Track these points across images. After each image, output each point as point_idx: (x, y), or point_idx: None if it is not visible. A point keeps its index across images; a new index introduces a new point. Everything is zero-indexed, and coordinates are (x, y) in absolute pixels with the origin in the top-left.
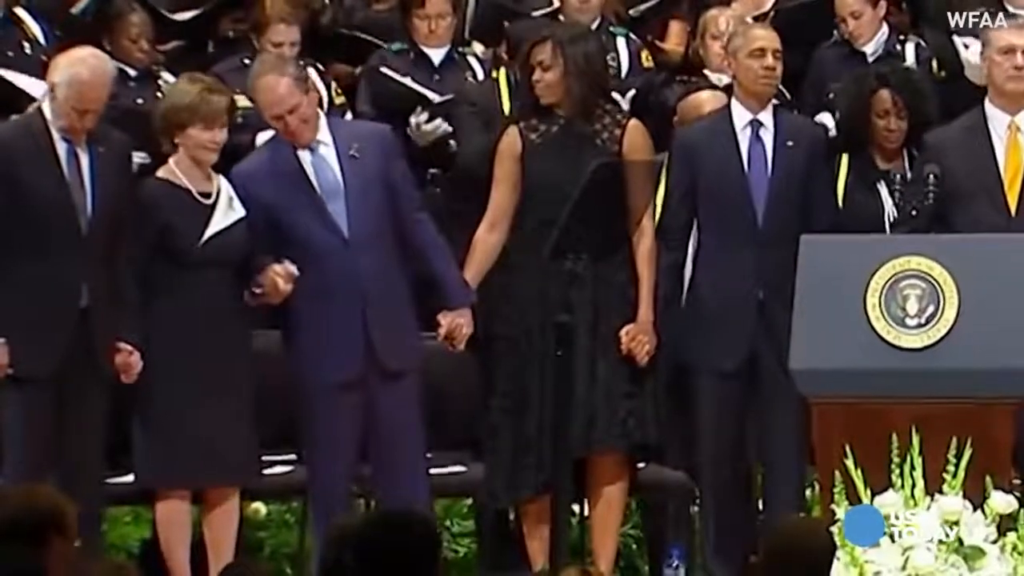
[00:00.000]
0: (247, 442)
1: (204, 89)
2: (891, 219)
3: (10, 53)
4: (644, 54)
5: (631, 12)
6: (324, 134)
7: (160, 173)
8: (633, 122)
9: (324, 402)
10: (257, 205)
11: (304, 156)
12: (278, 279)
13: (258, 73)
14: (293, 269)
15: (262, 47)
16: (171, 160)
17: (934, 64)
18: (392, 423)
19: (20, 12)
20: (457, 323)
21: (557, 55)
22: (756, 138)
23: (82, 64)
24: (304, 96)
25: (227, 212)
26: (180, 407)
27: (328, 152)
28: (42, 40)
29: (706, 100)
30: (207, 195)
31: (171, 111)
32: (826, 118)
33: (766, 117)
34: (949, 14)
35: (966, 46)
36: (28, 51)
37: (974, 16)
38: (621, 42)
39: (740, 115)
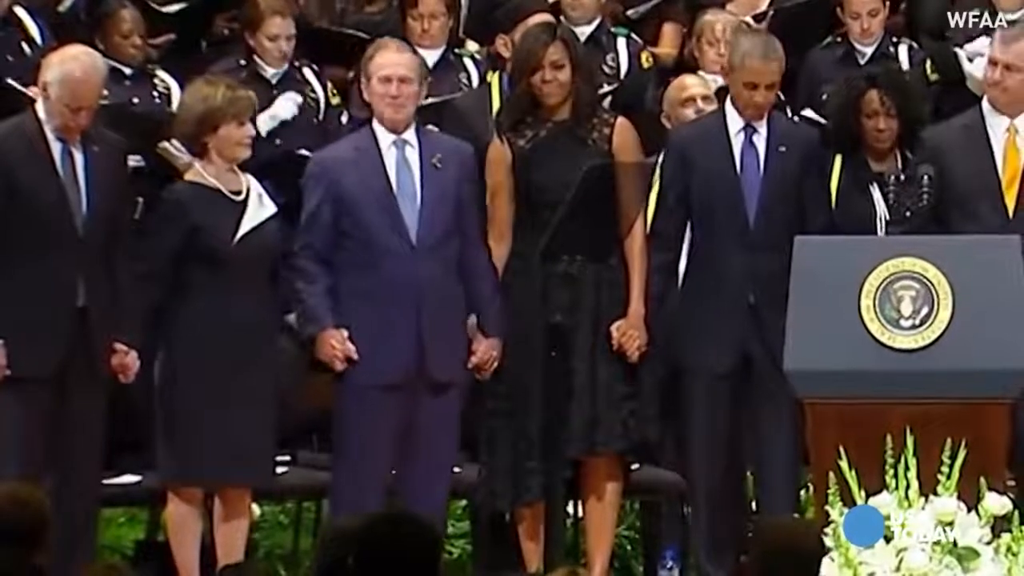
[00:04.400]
0: (267, 443)
1: (227, 88)
2: (883, 221)
3: (9, 57)
4: (644, 55)
5: (629, 13)
6: (412, 137)
7: (188, 176)
8: (621, 121)
9: (367, 402)
10: (330, 193)
11: (388, 155)
12: (335, 358)
13: (385, 43)
14: (351, 351)
15: (258, 43)
16: (197, 164)
17: (927, 66)
18: (428, 433)
19: (20, 12)
20: (491, 354)
21: (567, 53)
22: (749, 143)
23: (74, 62)
24: (419, 82)
25: (258, 209)
26: (205, 407)
27: (412, 155)
28: (40, 41)
29: (692, 83)
30: (237, 193)
31: (208, 114)
32: (809, 112)
33: (760, 123)
34: (949, 14)
35: (970, 59)
36: (28, 52)
37: (974, 16)
38: (621, 43)
39: (734, 119)
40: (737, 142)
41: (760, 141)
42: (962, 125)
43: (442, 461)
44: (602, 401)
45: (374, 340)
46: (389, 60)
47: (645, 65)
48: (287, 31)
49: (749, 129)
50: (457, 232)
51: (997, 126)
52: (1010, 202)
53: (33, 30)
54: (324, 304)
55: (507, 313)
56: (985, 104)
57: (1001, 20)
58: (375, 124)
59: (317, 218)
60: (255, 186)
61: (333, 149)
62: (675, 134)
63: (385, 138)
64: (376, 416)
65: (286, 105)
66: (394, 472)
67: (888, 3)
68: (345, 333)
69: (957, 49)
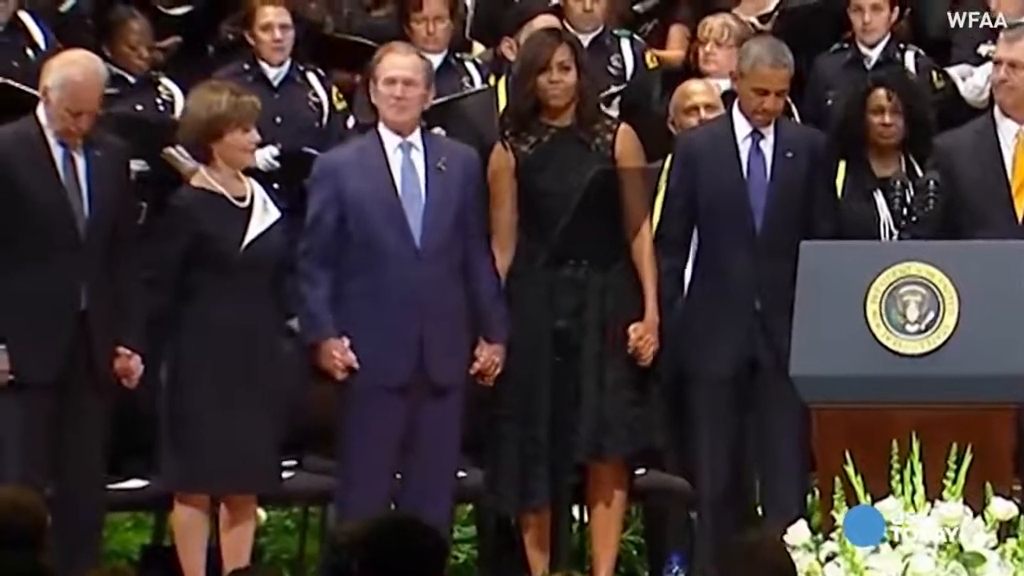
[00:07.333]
0: (271, 450)
1: (231, 94)
2: (887, 227)
3: (14, 63)
4: (648, 55)
5: (636, 8)
6: (417, 140)
7: (194, 181)
8: (624, 127)
9: (368, 406)
10: (333, 196)
11: (393, 158)
12: (336, 368)
13: (393, 45)
14: (352, 360)
15: (255, 39)
16: (202, 169)
17: (933, 74)
18: (430, 437)
19: (24, 17)
20: (493, 360)
21: (573, 57)
22: (756, 148)
23: (74, 66)
24: (426, 85)
25: (263, 216)
26: (210, 413)
27: (417, 159)
28: (44, 46)
29: (696, 91)
30: (242, 199)
31: (213, 121)
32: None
33: (767, 129)
34: (949, 14)
35: (963, 79)
36: (32, 57)
37: (974, 16)
38: (625, 44)
39: (741, 125)
40: (744, 148)
41: (767, 147)
42: (973, 131)
43: (445, 465)
44: (609, 406)
45: (377, 343)
46: (394, 62)
47: (651, 65)
48: (280, 19)
49: (756, 135)
50: (461, 236)
51: (1007, 132)
52: (1019, 208)
53: (37, 35)
54: (326, 312)
55: (513, 318)
56: (996, 110)
57: (1001, 21)
58: (380, 127)
59: (321, 221)
60: (259, 192)
61: (338, 151)
62: (682, 139)
63: (390, 141)
64: (378, 419)
65: (262, 155)
66: (398, 476)
67: (896, 5)
68: (347, 343)
69: (951, 71)
